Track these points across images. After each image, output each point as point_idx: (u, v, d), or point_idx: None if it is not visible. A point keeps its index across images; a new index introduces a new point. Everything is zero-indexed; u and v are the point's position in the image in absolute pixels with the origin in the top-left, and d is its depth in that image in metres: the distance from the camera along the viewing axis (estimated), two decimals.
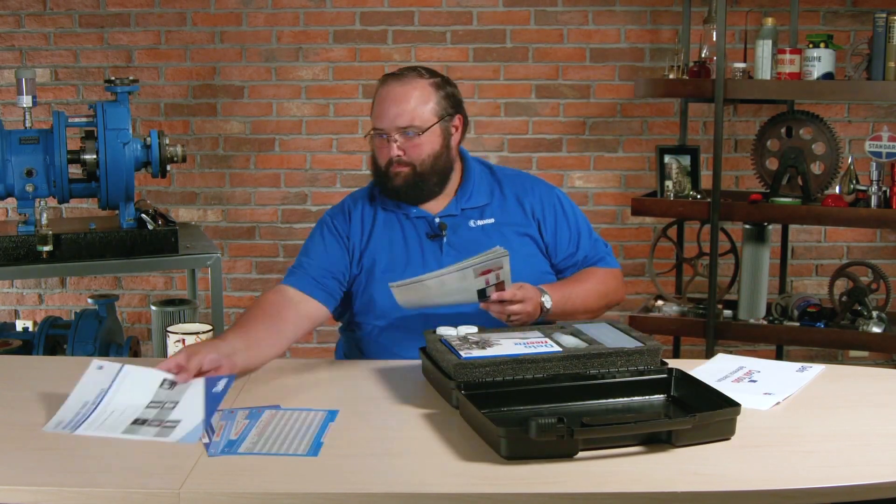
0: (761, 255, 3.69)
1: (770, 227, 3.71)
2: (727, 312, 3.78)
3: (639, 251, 4.41)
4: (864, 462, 1.79)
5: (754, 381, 2.19)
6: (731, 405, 1.88)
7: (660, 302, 3.86)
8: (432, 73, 2.49)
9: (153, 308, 3.38)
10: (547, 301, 2.35)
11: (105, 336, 3.23)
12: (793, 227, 4.18)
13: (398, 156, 2.42)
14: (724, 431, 1.86)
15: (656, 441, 1.82)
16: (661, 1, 4.29)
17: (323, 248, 2.49)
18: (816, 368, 2.29)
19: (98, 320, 3.23)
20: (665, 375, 2.07)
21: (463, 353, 2.06)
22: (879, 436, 1.92)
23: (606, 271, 2.56)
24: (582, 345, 2.11)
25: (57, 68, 4.37)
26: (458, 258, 2.37)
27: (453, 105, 2.49)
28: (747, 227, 3.68)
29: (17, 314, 4.49)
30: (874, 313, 3.53)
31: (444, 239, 2.48)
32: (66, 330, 3.21)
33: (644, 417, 1.92)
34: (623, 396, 2.04)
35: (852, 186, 3.51)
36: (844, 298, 3.59)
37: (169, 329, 2.31)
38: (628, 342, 2.13)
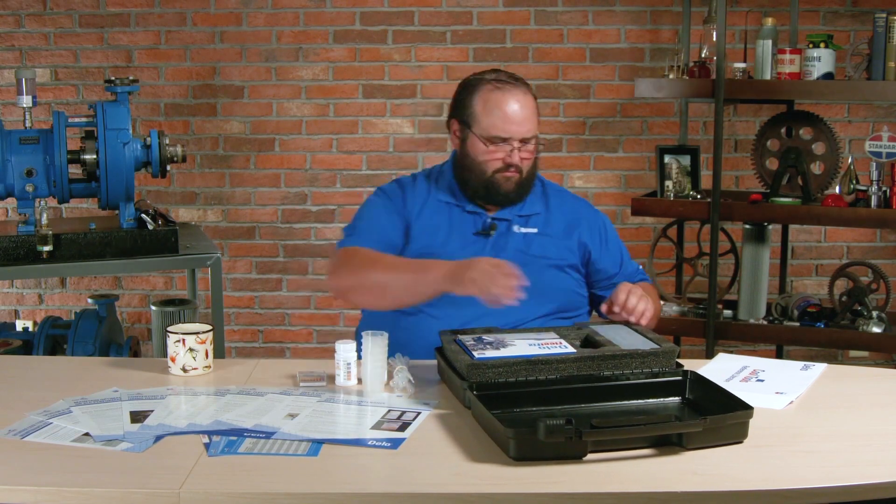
0: (761, 255, 3.69)
1: (770, 227, 3.70)
2: (727, 312, 3.78)
3: (639, 251, 4.40)
4: (864, 462, 1.79)
5: (762, 381, 2.19)
6: (744, 408, 1.87)
7: (660, 302, 3.86)
8: (525, 81, 2.54)
9: (153, 308, 3.38)
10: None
11: (105, 336, 3.23)
12: (793, 227, 4.18)
13: (517, 163, 2.48)
14: (736, 434, 1.84)
15: (668, 444, 1.81)
16: (661, 1, 4.29)
17: (382, 212, 2.54)
18: (819, 367, 2.29)
19: (98, 320, 3.24)
20: (680, 378, 2.05)
21: (476, 354, 2.05)
22: (879, 436, 1.92)
23: (651, 286, 2.67)
24: (597, 346, 2.10)
25: (57, 68, 4.37)
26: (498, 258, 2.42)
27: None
28: (747, 227, 3.68)
29: (17, 314, 4.49)
30: (874, 313, 3.52)
31: (492, 238, 2.52)
32: (66, 330, 3.21)
33: (655, 420, 1.90)
34: (637, 399, 2.03)
35: (852, 186, 3.51)
36: (844, 298, 3.59)
37: (169, 329, 2.31)
38: (643, 344, 2.12)
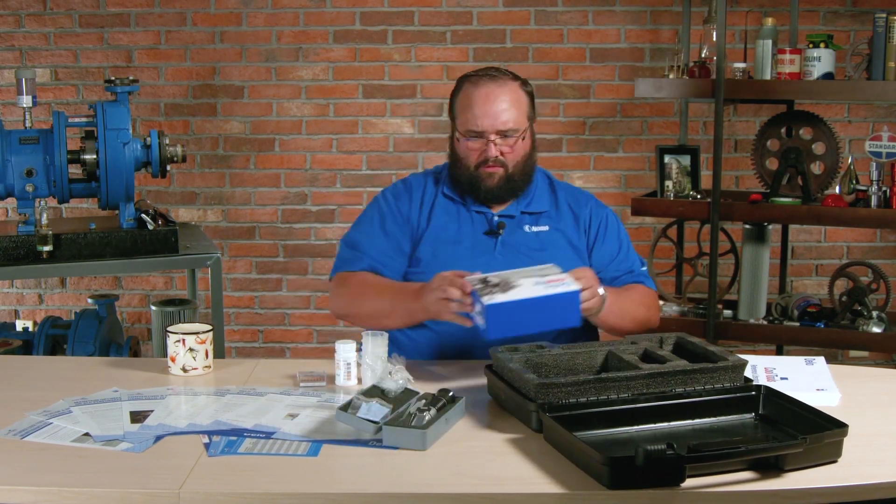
0: (761, 255, 3.69)
1: (770, 227, 3.70)
2: (727, 312, 3.77)
3: (639, 251, 4.36)
4: (864, 462, 1.79)
5: (786, 379, 2.18)
6: (838, 426, 1.79)
7: (660, 302, 3.86)
8: (515, 75, 2.53)
9: (153, 308, 3.38)
10: (601, 290, 2.31)
11: (105, 336, 3.23)
12: (793, 227, 4.18)
13: (496, 157, 2.45)
14: (832, 454, 1.78)
15: (763, 466, 1.73)
16: (661, 1, 4.29)
17: (382, 234, 2.52)
18: (820, 360, 2.32)
19: (98, 320, 3.24)
20: (753, 393, 1.98)
21: (485, 300, 2.04)
22: (879, 436, 1.92)
23: (646, 289, 2.58)
24: (660, 361, 2.05)
25: (57, 68, 4.37)
26: (509, 258, 2.43)
27: (534, 107, 2.55)
28: (747, 227, 3.68)
29: (17, 314, 4.49)
30: (874, 313, 3.52)
31: (500, 238, 2.50)
32: (66, 330, 3.21)
33: (750, 441, 1.83)
34: (709, 416, 1.95)
35: (852, 186, 3.51)
36: (844, 298, 3.59)
37: (169, 329, 2.31)
38: (711, 357, 2.05)
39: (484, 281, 2.12)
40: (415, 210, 2.54)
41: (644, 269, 2.62)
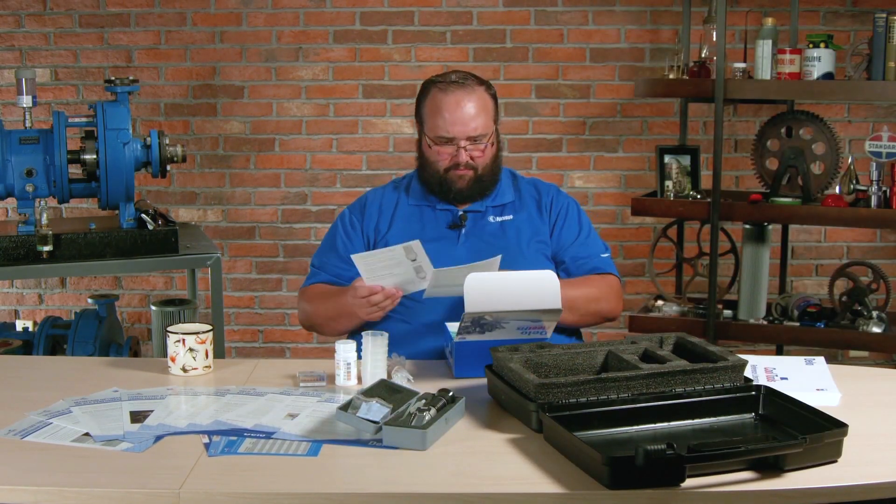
0: (761, 255, 3.69)
1: (770, 227, 3.70)
2: (727, 312, 3.77)
3: (639, 251, 4.40)
4: (864, 462, 1.79)
5: (786, 379, 2.18)
6: (838, 425, 1.79)
7: (660, 302, 3.86)
8: (480, 79, 2.59)
9: (153, 308, 3.38)
10: None
11: (105, 336, 3.23)
12: (793, 227, 4.18)
13: (467, 161, 2.53)
14: (832, 453, 1.78)
15: (763, 466, 1.73)
16: (661, 1, 4.29)
17: (333, 251, 2.63)
18: (820, 360, 2.32)
19: (98, 320, 3.24)
20: (753, 393, 1.99)
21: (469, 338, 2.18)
22: (879, 436, 1.92)
23: (605, 278, 2.59)
24: (660, 361, 2.05)
25: (57, 68, 4.37)
26: (473, 248, 2.53)
27: (498, 110, 2.62)
28: (747, 227, 3.68)
29: (17, 314, 4.48)
30: (874, 313, 3.52)
31: (463, 230, 2.58)
32: (66, 330, 3.21)
33: (750, 441, 1.82)
34: (709, 416, 1.95)
35: (852, 186, 3.51)
36: (844, 298, 3.59)
37: (169, 329, 2.31)
38: (711, 357, 2.06)
39: (477, 322, 2.19)
40: (371, 220, 2.64)
41: (606, 255, 2.65)
